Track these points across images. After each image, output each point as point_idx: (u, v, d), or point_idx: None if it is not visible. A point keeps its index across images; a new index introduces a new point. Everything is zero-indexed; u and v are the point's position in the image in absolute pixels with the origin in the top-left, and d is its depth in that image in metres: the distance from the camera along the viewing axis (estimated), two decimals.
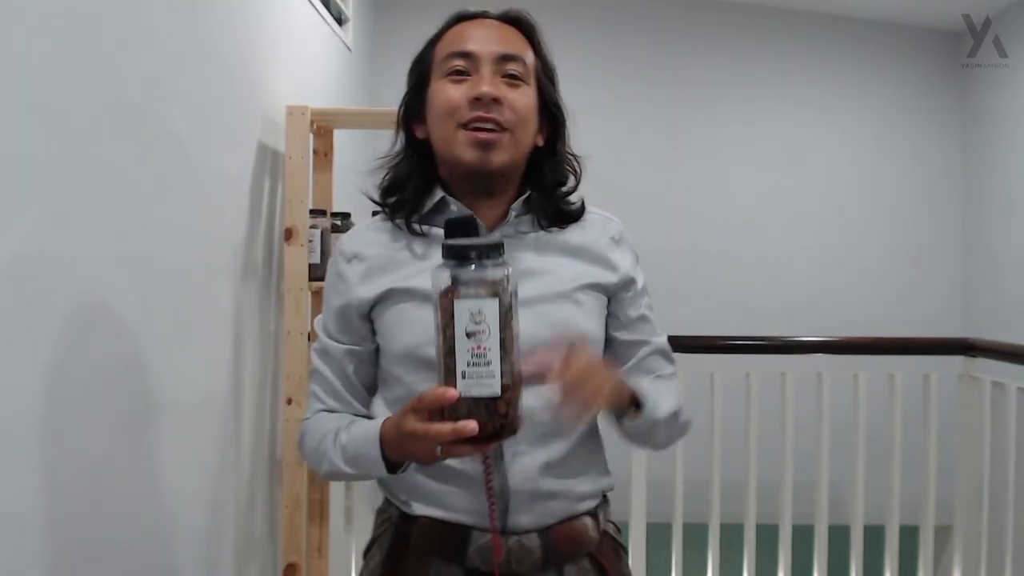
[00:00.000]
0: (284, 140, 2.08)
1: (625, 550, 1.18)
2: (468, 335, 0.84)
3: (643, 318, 1.15)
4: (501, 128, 1.02)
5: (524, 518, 1.04)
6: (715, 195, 4.37)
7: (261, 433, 2.09)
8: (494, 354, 0.85)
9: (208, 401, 1.76)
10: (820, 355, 2.70)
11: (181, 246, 1.59)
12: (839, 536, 2.66)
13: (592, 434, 1.12)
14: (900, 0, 4.20)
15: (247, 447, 1.98)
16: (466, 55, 1.03)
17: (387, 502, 1.14)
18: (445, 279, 0.87)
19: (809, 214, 4.44)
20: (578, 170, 1.14)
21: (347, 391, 1.12)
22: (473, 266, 0.86)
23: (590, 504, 1.10)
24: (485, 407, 0.86)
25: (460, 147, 1.03)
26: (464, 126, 1.02)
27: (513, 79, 1.04)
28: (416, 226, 1.09)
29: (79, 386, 1.23)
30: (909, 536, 2.63)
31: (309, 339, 2.16)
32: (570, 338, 0.94)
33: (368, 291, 1.08)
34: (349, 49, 3.36)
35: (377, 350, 1.12)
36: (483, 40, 1.04)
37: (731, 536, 2.66)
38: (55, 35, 1.15)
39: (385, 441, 0.99)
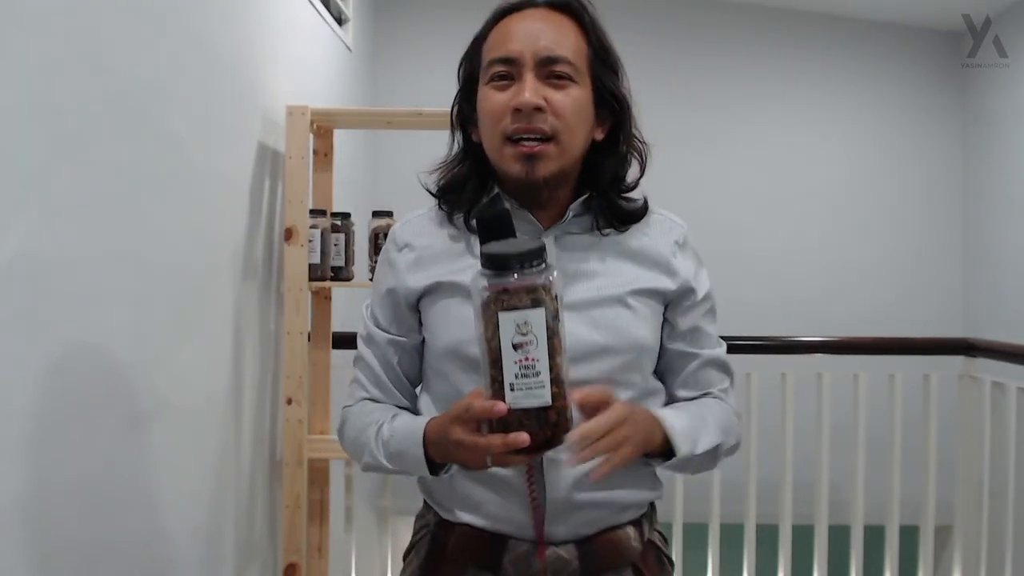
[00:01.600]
0: (284, 140, 2.08)
1: (671, 561, 1.13)
2: (515, 347, 0.81)
3: (698, 329, 1.09)
4: (546, 138, 0.98)
5: (561, 528, 1.01)
6: (715, 195, 4.37)
7: (261, 433, 2.09)
8: (543, 364, 0.82)
9: (208, 401, 1.76)
10: (820, 355, 2.70)
11: (181, 246, 1.59)
12: (839, 536, 2.66)
13: None
14: (900, 0, 4.20)
15: (247, 447, 1.98)
16: (508, 60, 0.98)
17: (426, 507, 1.12)
18: (485, 288, 0.83)
19: (809, 214, 4.44)
20: (644, 157, 1.08)
21: (390, 381, 1.10)
22: (515, 275, 0.82)
23: (633, 513, 1.07)
24: (536, 417, 0.83)
25: (507, 161, 0.99)
26: (509, 139, 0.98)
27: (559, 79, 0.99)
28: (472, 223, 1.04)
29: (79, 386, 1.23)
30: (909, 536, 2.63)
31: (309, 339, 2.16)
32: (601, 392, 0.91)
33: (416, 281, 1.05)
34: (349, 49, 3.36)
35: (423, 343, 1.09)
36: (526, 40, 0.98)
37: (731, 536, 2.66)
38: (55, 35, 1.15)
39: (429, 442, 0.97)
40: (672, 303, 1.08)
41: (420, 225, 1.10)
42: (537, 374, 0.82)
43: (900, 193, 4.47)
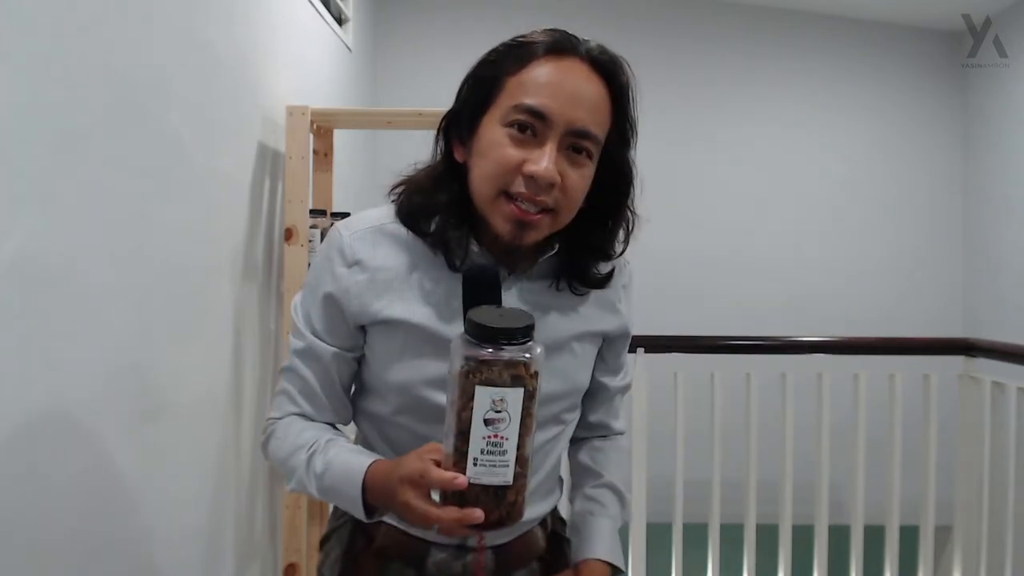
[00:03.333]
0: (284, 140, 2.08)
1: (568, 541, 1.16)
2: (486, 423, 0.78)
3: (620, 362, 1.17)
4: (546, 209, 0.92)
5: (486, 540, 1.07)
6: (715, 195, 4.37)
7: (261, 433, 2.09)
8: (511, 444, 0.79)
9: (208, 401, 1.76)
10: (820, 355, 2.70)
11: (181, 246, 1.59)
12: (839, 536, 2.66)
13: (557, 457, 1.12)
14: (900, 0, 4.20)
15: (247, 447, 1.98)
16: (539, 115, 0.90)
17: None
18: (466, 355, 0.79)
19: (809, 214, 4.44)
20: (631, 230, 1.03)
21: (325, 394, 1.04)
22: (500, 350, 0.79)
23: (542, 517, 1.14)
24: (494, 494, 0.80)
25: (497, 216, 0.93)
26: (508, 196, 0.92)
27: (577, 153, 0.93)
28: (456, 262, 0.97)
29: (79, 386, 1.23)
30: (909, 536, 2.63)
31: None
32: None
33: (367, 307, 0.98)
34: (349, 49, 3.36)
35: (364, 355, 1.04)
36: (565, 101, 0.91)
37: (731, 536, 2.66)
38: (55, 35, 1.15)
39: (369, 488, 0.92)
40: (609, 342, 1.13)
41: (374, 241, 1.00)
42: (504, 452, 0.79)
43: (900, 193, 4.47)
